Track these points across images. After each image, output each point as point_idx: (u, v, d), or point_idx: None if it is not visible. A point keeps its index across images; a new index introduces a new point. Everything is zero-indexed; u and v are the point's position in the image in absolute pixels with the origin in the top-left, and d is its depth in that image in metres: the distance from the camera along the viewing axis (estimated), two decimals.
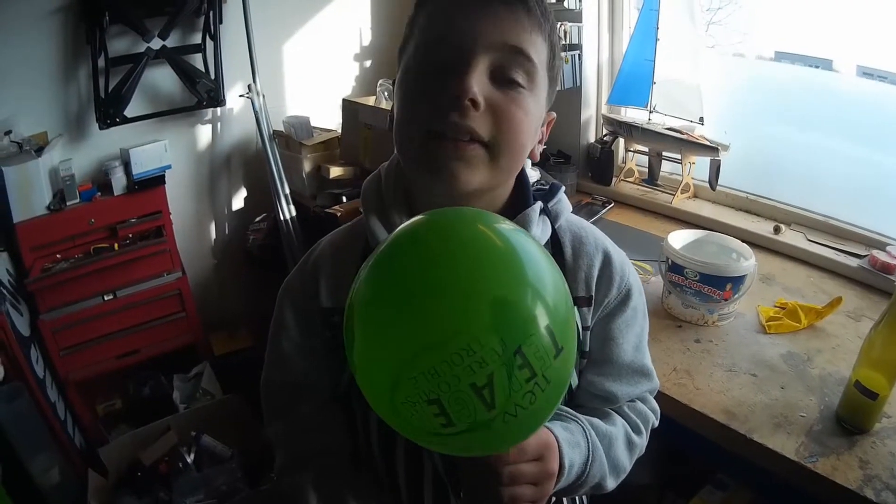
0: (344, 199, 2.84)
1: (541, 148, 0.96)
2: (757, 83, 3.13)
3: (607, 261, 0.98)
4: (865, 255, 2.27)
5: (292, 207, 3.22)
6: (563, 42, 2.93)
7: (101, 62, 2.98)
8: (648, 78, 3.02)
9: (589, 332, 0.99)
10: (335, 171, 3.05)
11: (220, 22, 3.18)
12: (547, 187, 1.03)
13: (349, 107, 3.14)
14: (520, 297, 0.67)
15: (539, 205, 0.94)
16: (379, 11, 3.87)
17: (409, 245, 0.72)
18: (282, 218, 3.22)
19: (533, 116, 0.86)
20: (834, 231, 2.55)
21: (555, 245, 0.96)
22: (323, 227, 2.92)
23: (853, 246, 2.38)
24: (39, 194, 2.86)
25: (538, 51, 0.85)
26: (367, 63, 3.88)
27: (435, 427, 0.71)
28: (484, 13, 0.80)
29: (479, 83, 0.78)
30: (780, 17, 2.88)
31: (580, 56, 2.99)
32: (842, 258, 2.31)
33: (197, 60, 3.20)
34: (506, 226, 0.73)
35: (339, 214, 2.70)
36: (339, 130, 3.34)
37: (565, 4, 2.94)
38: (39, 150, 2.85)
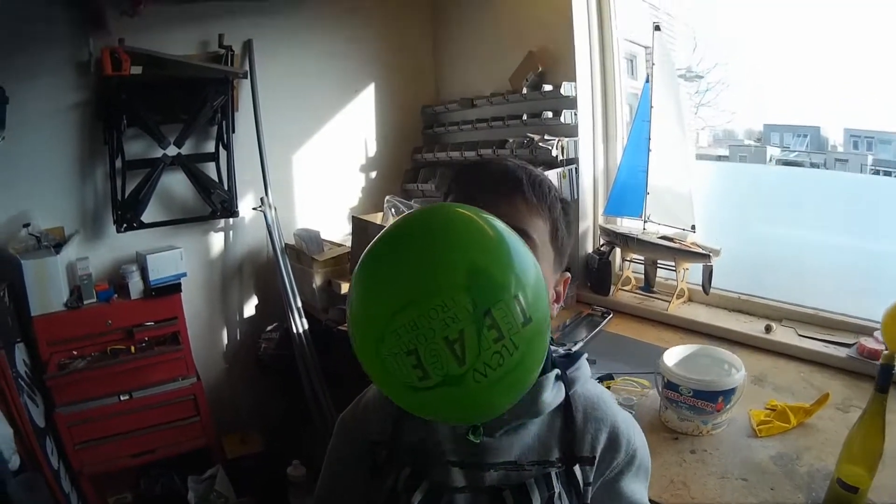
0: None
1: (558, 307, 1.09)
2: (744, 184, 3.39)
3: (614, 433, 1.08)
4: (854, 344, 2.43)
5: (304, 321, 3.42)
6: (561, 157, 3.20)
7: (118, 163, 3.28)
8: (642, 188, 3.28)
9: (590, 488, 1.08)
10: (346, 287, 3.25)
11: (233, 131, 3.45)
12: (568, 353, 1.15)
13: (359, 224, 3.39)
14: (493, 267, 0.86)
15: (556, 372, 1.06)
16: (384, 125, 4.25)
17: (401, 222, 0.91)
18: (294, 331, 3.42)
19: None
20: (823, 322, 2.72)
21: (566, 409, 1.06)
22: (337, 345, 3.15)
23: (842, 335, 2.55)
24: (57, 291, 3.06)
25: (538, 230, 1.02)
26: (373, 174, 4.21)
27: (413, 379, 0.86)
28: (487, 201, 0.96)
29: None
30: (766, 92, 3.15)
31: (577, 169, 3.27)
32: (831, 350, 2.46)
33: (211, 168, 3.48)
34: (486, 215, 0.90)
35: None
36: (349, 244, 3.58)
37: (561, 119, 3.21)
38: (57, 247, 3.07)
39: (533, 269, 0.92)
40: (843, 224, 3.08)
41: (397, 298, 0.87)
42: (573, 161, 3.30)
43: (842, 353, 2.44)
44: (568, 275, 1.13)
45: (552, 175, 3.17)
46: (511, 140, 3.41)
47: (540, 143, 3.21)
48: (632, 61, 4.05)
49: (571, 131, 3.29)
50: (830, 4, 2.81)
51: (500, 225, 0.90)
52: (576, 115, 3.28)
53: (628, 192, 3.33)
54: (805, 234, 3.19)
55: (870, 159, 6.02)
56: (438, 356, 0.86)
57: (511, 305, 0.87)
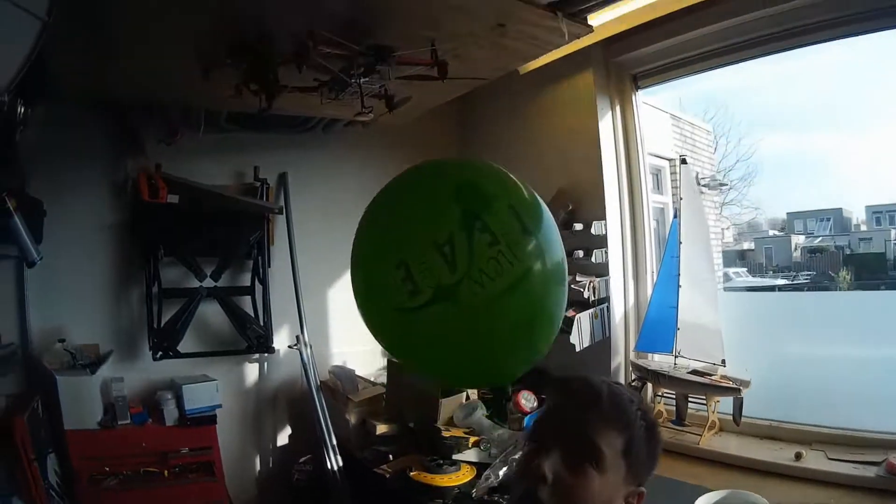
0: (391, 457, 3.11)
1: None
2: (770, 311, 3.47)
3: None
4: (883, 461, 2.47)
5: (339, 458, 3.49)
6: (593, 298, 3.27)
7: (154, 288, 3.41)
8: (672, 324, 3.37)
9: None
10: (381, 428, 3.35)
11: (269, 265, 3.54)
12: None
13: (394, 366, 3.48)
14: (481, 179, 0.90)
15: None
16: None
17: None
18: (329, 467, 3.49)
19: (599, 494, 1.03)
20: (852, 442, 2.78)
21: None
22: (374, 486, 3.22)
23: (871, 453, 2.60)
24: (91, 409, 3.15)
25: (610, 443, 1.06)
26: None
27: (403, 299, 0.87)
28: (569, 409, 1.06)
29: (551, 464, 1.02)
30: (788, 180, 3.25)
31: (608, 307, 3.35)
32: (860, 470, 2.50)
33: (247, 302, 3.56)
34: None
35: (387, 476, 2.97)
36: (384, 381, 3.69)
37: (593, 259, 3.29)
38: (93, 366, 3.17)
39: (528, 190, 0.96)
40: (868, 338, 3.15)
41: (390, 218, 0.92)
42: (605, 300, 3.38)
43: (871, 472, 2.48)
44: (643, 490, 1.14)
45: (584, 316, 3.26)
46: None
47: (572, 286, 3.28)
48: (657, 175, 4.15)
49: (602, 269, 3.41)
50: (844, 88, 2.90)
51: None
52: (606, 253, 3.38)
53: (659, 328, 3.42)
54: (833, 351, 3.29)
55: (893, 234, 6.10)
56: (429, 265, 0.86)
57: (504, 213, 0.92)
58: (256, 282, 3.60)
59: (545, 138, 3.83)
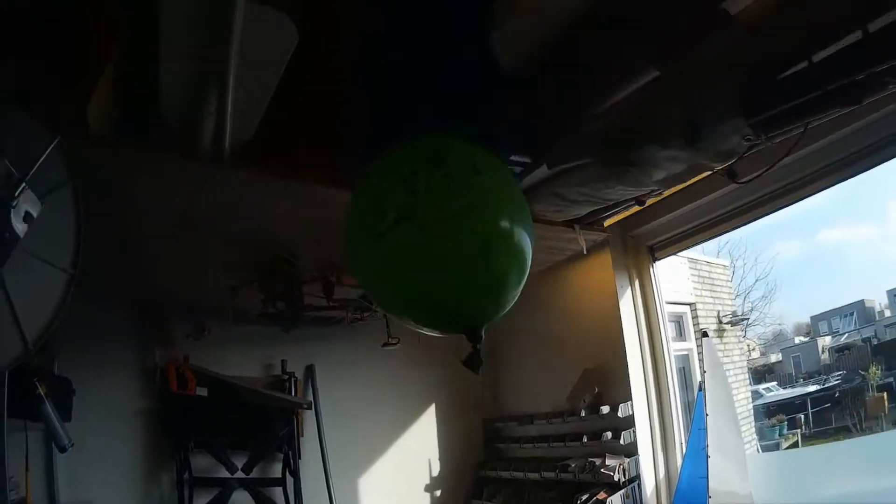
0: None
1: None
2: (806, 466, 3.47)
3: None
4: None
5: None
6: (623, 479, 3.30)
7: (184, 474, 3.40)
8: (703, 494, 3.37)
9: None
10: None
11: (299, 457, 3.59)
12: None
13: None
14: (452, 138, 1.19)
15: None
16: (446, 440, 4.43)
17: None
18: None
19: None
20: None
21: None
22: None
23: None
24: None
25: None
26: (438, 492, 4.37)
27: (374, 223, 1.11)
28: None
29: None
30: (808, 286, 3.26)
31: (639, 485, 3.37)
32: None
33: (278, 493, 3.59)
34: None
35: None
36: None
37: (621, 441, 3.33)
38: None
39: (486, 152, 1.21)
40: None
41: (373, 171, 1.20)
42: (635, 478, 3.40)
43: None
44: None
45: (616, 498, 3.28)
46: (573, 464, 3.53)
47: (602, 469, 3.31)
48: (678, 322, 4.21)
49: (631, 449, 3.43)
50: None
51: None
52: (634, 433, 3.40)
53: (690, 499, 3.42)
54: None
55: None
56: (395, 194, 1.10)
57: (460, 158, 1.15)
58: (287, 473, 3.65)
59: (568, 323, 3.91)
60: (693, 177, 2.29)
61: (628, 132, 2.23)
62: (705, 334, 3.50)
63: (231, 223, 2.54)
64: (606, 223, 2.86)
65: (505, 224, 1.20)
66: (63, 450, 2.86)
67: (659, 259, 3.67)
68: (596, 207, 2.65)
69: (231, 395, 3.57)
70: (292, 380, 3.73)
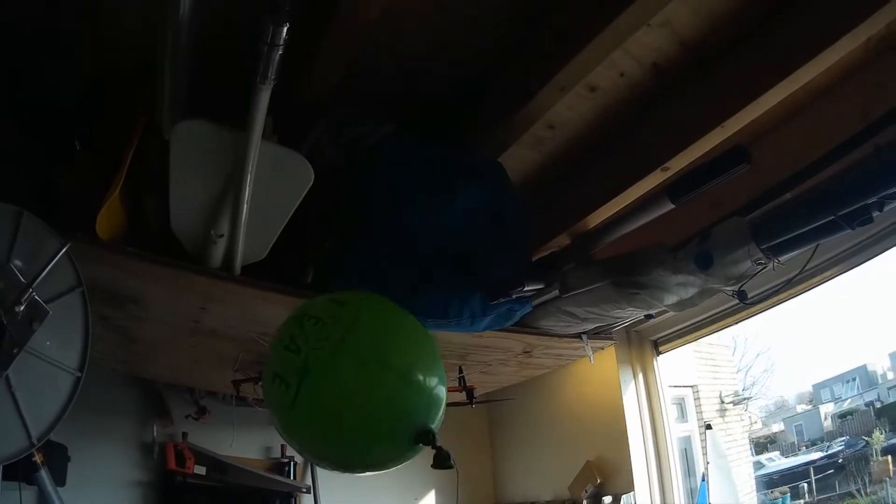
0: None
1: None
2: None
3: None
4: None
5: None
6: None
7: None
8: None
9: None
10: None
11: None
12: None
13: None
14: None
15: None
16: None
17: None
18: None
19: None
20: None
21: None
22: None
23: None
24: None
25: None
26: None
27: (284, 395, 1.20)
28: None
29: None
30: (810, 355, 3.26)
31: None
32: None
33: None
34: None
35: None
36: None
37: None
38: None
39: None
40: None
41: (269, 362, 1.35)
42: None
43: None
44: None
45: None
46: None
47: None
48: (680, 405, 4.27)
49: None
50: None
51: None
52: None
53: None
54: None
55: None
56: (286, 362, 1.21)
57: (321, 302, 1.36)
58: None
59: (571, 414, 3.96)
60: (704, 300, 2.36)
61: (638, 259, 2.32)
62: (709, 427, 3.57)
63: (238, 329, 2.59)
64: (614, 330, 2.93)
65: (391, 330, 1.32)
66: None
67: (662, 353, 3.72)
68: (604, 325, 2.73)
69: (229, 475, 3.60)
70: (292, 463, 3.76)
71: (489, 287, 2.19)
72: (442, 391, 1.38)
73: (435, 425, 1.28)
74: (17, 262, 1.73)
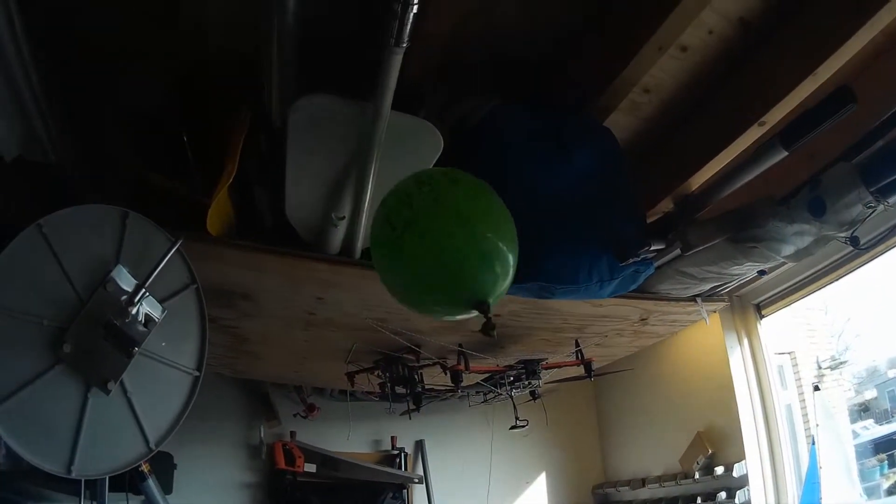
0: None
1: None
2: None
3: None
4: None
5: None
6: None
7: None
8: None
9: None
10: None
11: None
12: None
13: None
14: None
15: None
16: None
17: None
18: None
19: None
20: None
21: None
22: None
23: None
24: None
25: None
26: None
27: (389, 236, 1.45)
28: None
29: None
30: None
31: None
32: None
33: None
34: None
35: None
36: None
37: (736, 501, 3.37)
38: None
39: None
40: None
41: (385, 204, 1.54)
42: None
43: None
44: None
45: None
46: None
47: None
48: (780, 372, 4.24)
49: None
50: None
51: None
52: (748, 491, 3.44)
53: None
54: None
55: None
56: (398, 212, 1.45)
57: (441, 174, 1.62)
58: None
59: (678, 386, 3.97)
60: (819, 249, 2.37)
61: (753, 212, 2.35)
62: (817, 388, 3.55)
63: (355, 317, 2.66)
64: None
65: (479, 209, 1.50)
66: None
67: (765, 316, 3.71)
68: (721, 283, 2.76)
69: (341, 470, 3.69)
70: (402, 454, 3.85)
71: (616, 248, 2.24)
72: (510, 275, 1.52)
73: (492, 299, 1.43)
74: (128, 263, 1.78)
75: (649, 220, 2.68)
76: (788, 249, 2.36)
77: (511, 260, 1.53)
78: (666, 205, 2.68)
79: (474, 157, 2.25)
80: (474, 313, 1.46)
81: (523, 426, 2.89)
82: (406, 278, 1.54)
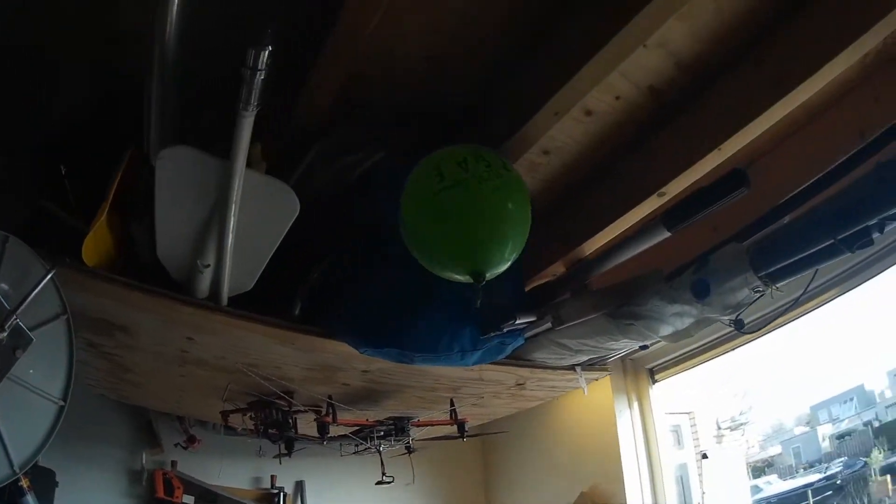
0: None
1: None
2: None
3: None
4: None
5: None
6: None
7: None
8: None
9: None
10: None
11: None
12: None
13: None
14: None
15: None
16: None
17: None
18: None
19: None
20: None
21: None
22: None
23: None
24: None
25: None
26: None
27: (434, 185, 1.68)
28: None
29: None
30: (804, 375, 3.22)
31: None
32: None
33: None
34: None
35: None
36: None
37: None
38: None
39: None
40: None
41: (439, 156, 1.80)
42: None
43: None
44: None
45: None
46: None
47: None
48: (676, 431, 4.25)
49: None
50: None
51: None
52: None
53: None
54: None
55: None
56: (451, 168, 1.68)
57: (497, 158, 1.78)
58: None
59: (565, 445, 3.95)
60: (699, 331, 2.35)
61: (633, 289, 2.32)
62: (705, 456, 3.56)
63: (226, 360, 2.60)
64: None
65: (518, 204, 1.77)
66: None
67: (658, 381, 3.72)
68: (598, 356, 2.74)
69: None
70: (282, 494, 3.75)
71: (482, 319, 2.21)
72: (507, 265, 1.80)
73: (489, 274, 1.70)
74: (3, 287, 1.75)
75: (539, 283, 2.65)
76: (666, 329, 2.33)
77: (515, 256, 1.81)
78: (558, 268, 2.65)
79: (356, 210, 2.36)
80: (466, 278, 1.72)
81: (389, 482, 2.83)
82: (430, 226, 1.79)
